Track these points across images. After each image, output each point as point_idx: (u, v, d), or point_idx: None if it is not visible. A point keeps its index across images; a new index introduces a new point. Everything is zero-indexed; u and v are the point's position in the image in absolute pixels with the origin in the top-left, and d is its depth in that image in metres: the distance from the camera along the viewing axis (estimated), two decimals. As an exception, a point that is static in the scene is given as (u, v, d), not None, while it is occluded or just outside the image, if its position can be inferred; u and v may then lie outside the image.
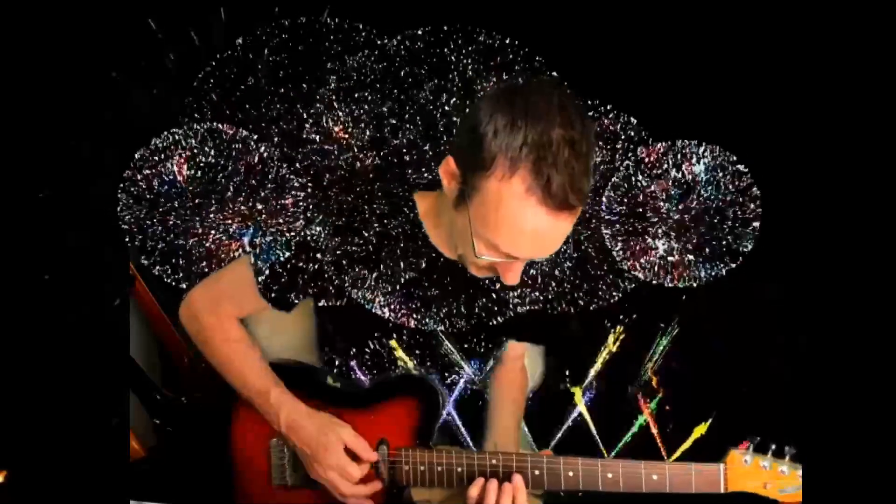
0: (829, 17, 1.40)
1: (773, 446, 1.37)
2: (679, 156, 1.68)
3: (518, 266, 1.34)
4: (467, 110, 1.31)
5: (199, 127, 1.66)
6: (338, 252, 1.50)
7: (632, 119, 1.69)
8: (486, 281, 1.54)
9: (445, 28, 1.68)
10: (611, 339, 1.89)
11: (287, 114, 1.68)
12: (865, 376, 1.27)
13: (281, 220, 1.60)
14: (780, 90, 1.68)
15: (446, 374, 1.63)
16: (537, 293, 1.59)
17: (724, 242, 1.68)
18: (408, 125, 1.65)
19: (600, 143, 1.67)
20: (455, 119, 1.66)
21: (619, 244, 1.66)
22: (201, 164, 1.66)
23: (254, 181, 1.62)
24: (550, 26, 1.76)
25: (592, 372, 1.92)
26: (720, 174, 1.67)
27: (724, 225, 1.68)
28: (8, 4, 1.57)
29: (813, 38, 1.42)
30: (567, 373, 1.94)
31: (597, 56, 1.77)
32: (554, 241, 1.29)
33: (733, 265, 1.67)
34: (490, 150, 1.22)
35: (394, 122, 1.67)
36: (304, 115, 1.67)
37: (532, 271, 1.58)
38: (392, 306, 1.54)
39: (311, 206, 1.58)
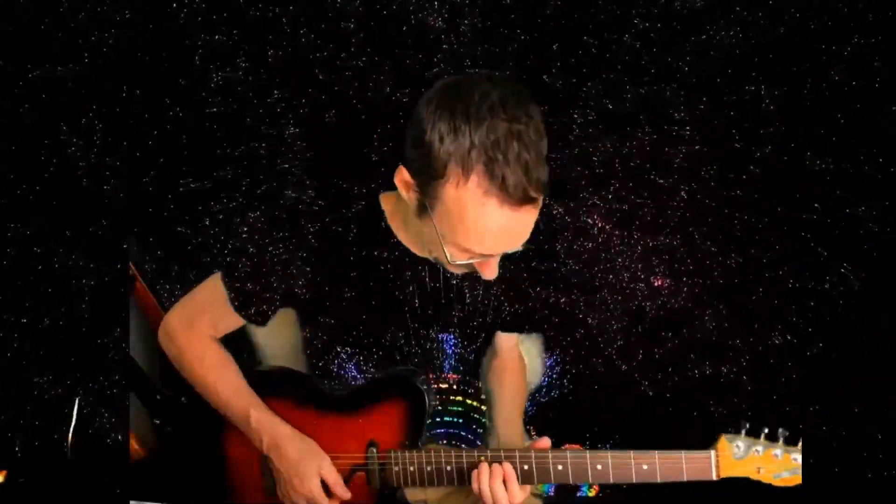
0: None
1: (766, 430, 1.31)
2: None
3: (494, 260, 1.32)
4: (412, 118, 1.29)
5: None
6: (308, 260, 1.48)
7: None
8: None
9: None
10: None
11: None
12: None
13: (251, 235, 1.55)
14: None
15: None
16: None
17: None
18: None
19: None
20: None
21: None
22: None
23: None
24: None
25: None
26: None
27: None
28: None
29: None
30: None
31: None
32: (523, 232, 1.27)
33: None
34: (440, 157, 1.20)
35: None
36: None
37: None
38: (364, 309, 1.53)
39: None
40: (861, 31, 1.54)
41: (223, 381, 1.57)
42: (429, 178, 1.23)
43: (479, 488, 1.42)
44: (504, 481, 1.41)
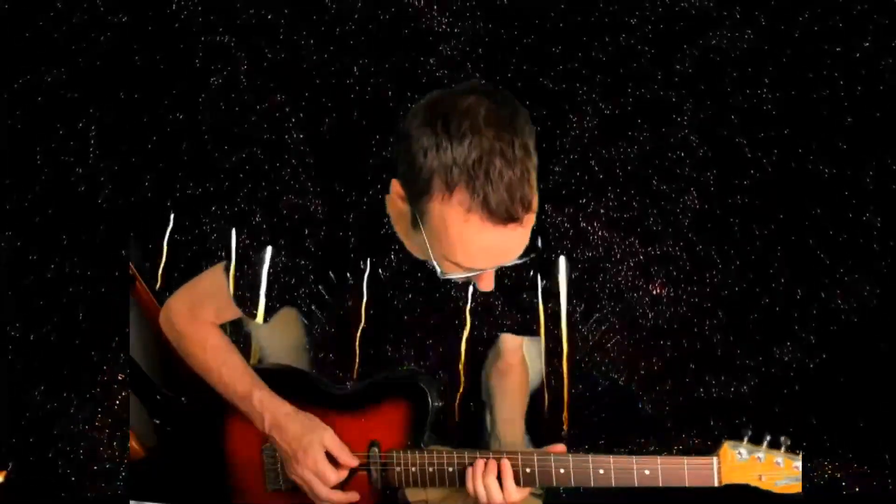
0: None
1: (769, 437, 1.32)
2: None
3: (489, 273, 1.31)
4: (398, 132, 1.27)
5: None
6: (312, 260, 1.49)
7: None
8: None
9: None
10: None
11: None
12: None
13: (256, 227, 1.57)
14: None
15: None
16: None
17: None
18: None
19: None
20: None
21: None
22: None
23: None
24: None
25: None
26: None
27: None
28: None
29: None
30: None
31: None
32: (513, 248, 1.25)
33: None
34: (424, 173, 1.19)
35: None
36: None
37: None
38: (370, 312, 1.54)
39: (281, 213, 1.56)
40: (868, 34, 1.53)
41: (227, 364, 1.58)
42: (416, 193, 1.22)
43: (473, 486, 1.42)
44: (500, 477, 1.41)
